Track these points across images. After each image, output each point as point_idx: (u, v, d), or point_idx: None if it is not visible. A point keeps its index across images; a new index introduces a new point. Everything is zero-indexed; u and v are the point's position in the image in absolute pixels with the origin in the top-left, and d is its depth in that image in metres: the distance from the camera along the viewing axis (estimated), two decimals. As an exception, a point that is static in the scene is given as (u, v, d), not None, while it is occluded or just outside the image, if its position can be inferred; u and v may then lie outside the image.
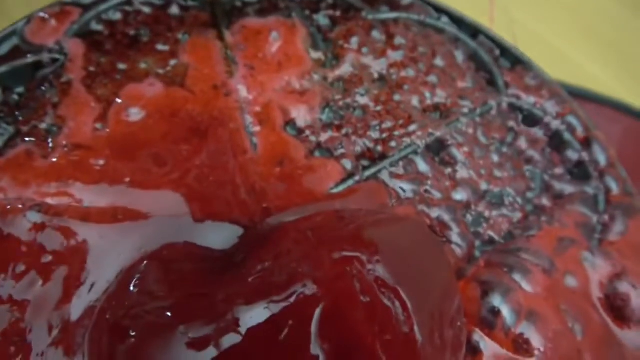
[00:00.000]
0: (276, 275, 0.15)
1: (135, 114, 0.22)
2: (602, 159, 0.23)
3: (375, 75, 0.25)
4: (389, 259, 0.14)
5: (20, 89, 0.23)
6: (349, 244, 0.14)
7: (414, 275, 0.14)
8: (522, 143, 0.24)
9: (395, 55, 0.26)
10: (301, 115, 0.23)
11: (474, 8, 0.32)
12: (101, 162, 0.20)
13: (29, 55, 0.24)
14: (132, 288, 0.17)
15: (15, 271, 0.17)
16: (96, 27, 0.25)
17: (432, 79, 0.25)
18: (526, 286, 0.19)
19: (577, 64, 0.38)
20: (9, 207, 0.19)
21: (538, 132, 0.24)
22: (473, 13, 0.29)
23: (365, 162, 0.22)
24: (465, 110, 0.24)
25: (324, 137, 0.23)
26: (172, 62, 0.24)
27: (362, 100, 0.24)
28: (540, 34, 0.38)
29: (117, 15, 0.26)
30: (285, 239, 0.16)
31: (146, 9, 0.26)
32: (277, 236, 0.17)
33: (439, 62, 0.26)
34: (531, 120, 0.24)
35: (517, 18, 0.37)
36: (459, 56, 0.26)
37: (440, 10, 0.28)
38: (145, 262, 0.17)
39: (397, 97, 0.24)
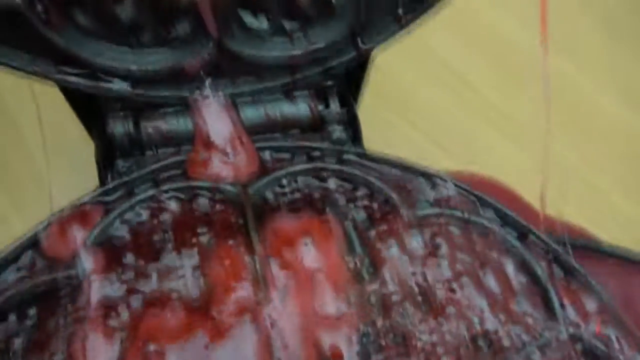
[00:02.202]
0: None
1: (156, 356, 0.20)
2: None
3: (416, 290, 0.23)
4: None
5: (32, 312, 0.21)
6: None
7: None
8: (586, 386, 0.21)
9: (437, 268, 0.24)
10: (338, 347, 0.21)
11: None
12: None
13: (43, 276, 0.22)
14: None
15: None
16: (118, 232, 0.24)
17: (481, 302, 0.23)
18: None
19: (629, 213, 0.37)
20: None
21: (603, 373, 0.21)
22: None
23: (409, 414, 0.20)
24: (519, 343, 0.22)
25: (364, 377, 0.21)
26: (196, 281, 0.22)
27: (403, 325, 0.22)
28: (590, 180, 0.37)
29: (142, 215, 0.24)
30: None
31: (173, 204, 0.25)
32: None
33: (487, 278, 0.23)
34: (594, 356, 0.22)
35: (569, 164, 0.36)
36: (509, 267, 0.24)
37: (485, 204, 0.26)
38: None
39: (442, 324, 0.22)
